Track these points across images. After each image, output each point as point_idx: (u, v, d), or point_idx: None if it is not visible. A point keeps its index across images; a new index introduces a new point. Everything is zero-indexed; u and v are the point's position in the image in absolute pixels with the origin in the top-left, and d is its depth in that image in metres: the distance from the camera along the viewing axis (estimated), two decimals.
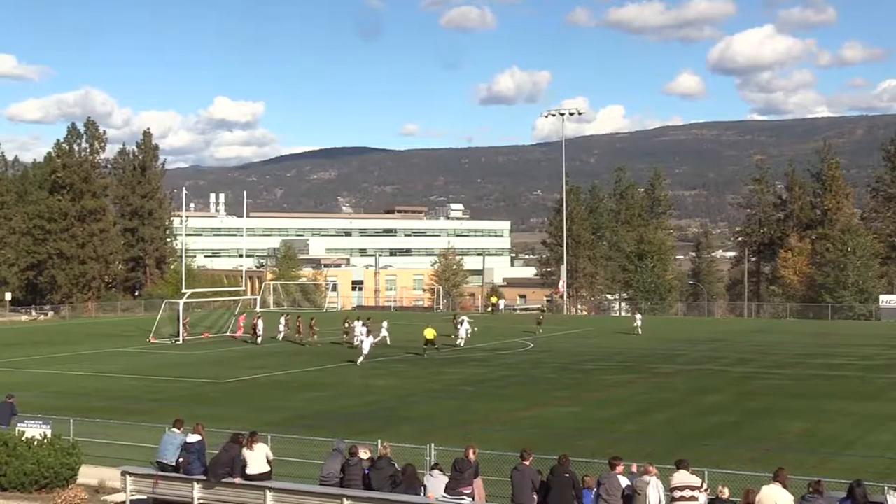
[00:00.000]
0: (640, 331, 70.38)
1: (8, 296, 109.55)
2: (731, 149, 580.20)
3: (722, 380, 45.40)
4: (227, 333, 69.36)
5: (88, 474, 24.09)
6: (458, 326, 63.29)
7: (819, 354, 56.78)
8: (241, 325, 69.88)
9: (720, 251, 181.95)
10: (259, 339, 63.44)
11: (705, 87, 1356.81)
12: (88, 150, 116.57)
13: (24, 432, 24.32)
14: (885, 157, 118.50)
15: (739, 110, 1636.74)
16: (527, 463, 18.68)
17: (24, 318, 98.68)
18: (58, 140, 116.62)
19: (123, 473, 22.10)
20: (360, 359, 51.70)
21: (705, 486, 18.05)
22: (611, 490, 17.89)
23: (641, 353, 57.06)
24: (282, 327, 66.77)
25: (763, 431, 31.61)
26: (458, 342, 61.59)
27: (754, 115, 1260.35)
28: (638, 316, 75.65)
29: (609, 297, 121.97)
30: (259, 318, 65.55)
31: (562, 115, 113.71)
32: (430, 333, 55.89)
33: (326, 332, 67.30)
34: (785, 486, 16.79)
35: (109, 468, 24.25)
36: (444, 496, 18.75)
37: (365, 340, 53.17)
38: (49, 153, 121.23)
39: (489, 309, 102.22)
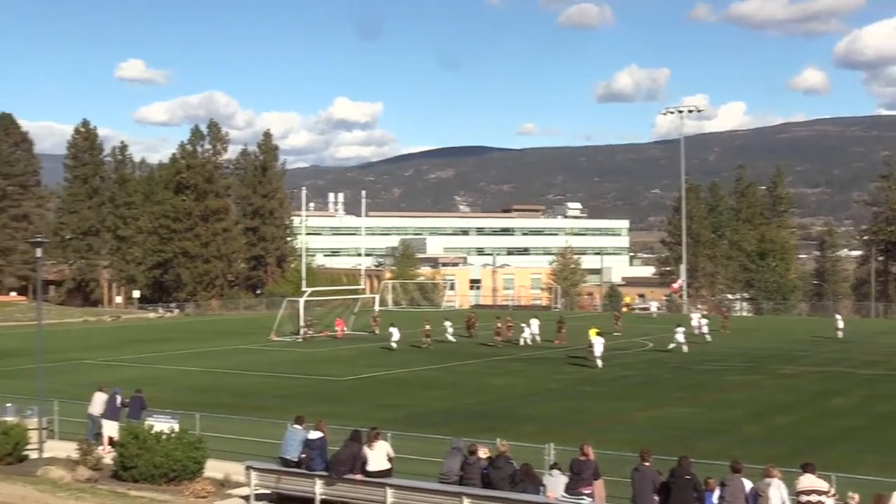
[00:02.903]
0: (840, 333, 65.82)
1: (136, 294, 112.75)
2: (856, 145, 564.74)
3: (848, 382, 44.26)
4: (329, 333, 68.80)
5: (214, 468, 24.61)
6: (697, 324, 64.23)
7: None
8: (341, 326, 69.44)
9: (845, 250, 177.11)
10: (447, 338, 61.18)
11: (830, 82, 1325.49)
12: (211, 152, 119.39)
13: (153, 426, 25.00)
14: None
15: (866, 105, 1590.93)
16: (647, 463, 18.51)
17: (152, 315, 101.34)
18: (182, 142, 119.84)
19: (248, 468, 22.55)
20: (599, 361, 49.30)
21: (833, 490, 17.63)
22: (735, 492, 17.59)
23: (763, 353, 55.96)
24: (450, 328, 63.35)
25: (893, 436, 30.71)
26: (707, 338, 62.15)
27: (881, 111, 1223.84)
28: (838, 317, 70.02)
29: (730, 296, 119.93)
30: (446, 319, 63.92)
31: (681, 112, 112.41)
32: (594, 334, 52.78)
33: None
34: None
35: (234, 462, 24.76)
36: (563, 496, 18.69)
37: (595, 343, 50.15)
38: (174, 154, 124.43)
39: (624, 309, 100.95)
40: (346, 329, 69.66)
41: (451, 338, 62.18)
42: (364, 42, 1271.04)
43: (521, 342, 60.93)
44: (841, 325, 67.00)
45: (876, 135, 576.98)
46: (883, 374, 47.12)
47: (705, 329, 64.37)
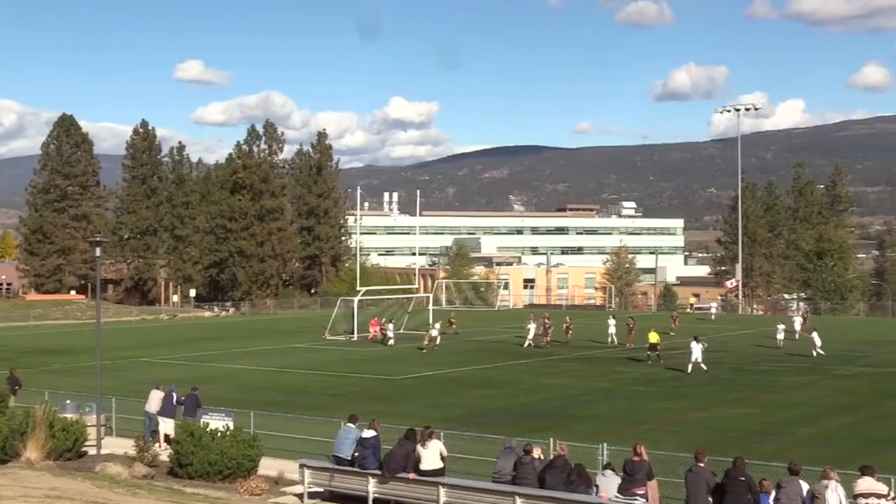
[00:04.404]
0: None
1: (192, 292, 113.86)
2: None
3: None
4: (362, 335, 66.56)
5: (268, 466, 24.76)
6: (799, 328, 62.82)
7: None
8: (375, 328, 66.99)
9: None
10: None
11: (892, 78, 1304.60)
12: (267, 152, 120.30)
13: (208, 424, 25.22)
14: None
15: None
16: (701, 464, 18.36)
17: (208, 314, 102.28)
18: (238, 142, 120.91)
19: (301, 466, 22.68)
20: (702, 366, 47.13)
21: (892, 494, 17.39)
22: (791, 495, 17.40)
23: (820, 354, 55.17)
24: (532, 332, 60.55)
25: None
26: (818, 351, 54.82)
27: None
28: None
29: (786, 296, 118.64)
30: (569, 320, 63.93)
31: (738, 110, 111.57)
32: (654, 337, 51.57)
33: (502, 331, 67.35)
34: None
35: (288, 461, 24.89)
36: (616, 496, 18.60)
37: (693, 349, 47.55)
38: (230, 155, 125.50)
39: (689, 310, 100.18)
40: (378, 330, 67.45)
41: (437, 336, 61.05)
42: (420, 42, 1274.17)
43: (526, 344, 59.43)
44: None
45: None
46: None
47: (797, 334, 63.10)
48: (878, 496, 17.02)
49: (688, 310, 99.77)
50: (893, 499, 17.25)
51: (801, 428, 32.12)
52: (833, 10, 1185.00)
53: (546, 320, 62.11)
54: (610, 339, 61.62)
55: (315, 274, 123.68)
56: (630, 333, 60.96)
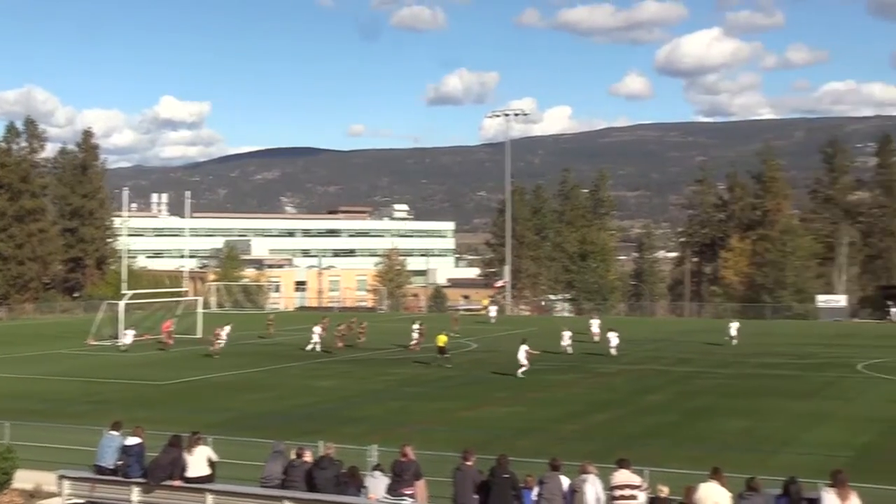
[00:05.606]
0: (734, 341, 62.77)
1: None
2: (674, 150, 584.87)
3: (663, 379, 45.85)
4: (158, 337, 64.81)
5: (24, 479, 23.75)
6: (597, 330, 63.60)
7: (759, 354, 57.46)
8: (168, 330, 64.56)
9: (662, 252, 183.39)
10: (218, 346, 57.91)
11: (652, 88, 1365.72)
12: (28, 150, 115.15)
13: None
14: (823, 159, 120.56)
15: (684, 112, 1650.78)
16: (469, 463, 18.70)
17: None
18: None
19: (60, 477, 21.81)
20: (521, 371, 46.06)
21: (645, 484, 18.19)
22: (553, 490, 17.97)
23: (583, 353, 57.29)
24: (316, 336, 59.39)
25: (703, 430, 31.99)
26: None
27: (699, 117, 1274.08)
28: (734, 325, 65.27)
29: (552, 297, 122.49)
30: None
31: (507, 115, 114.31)
32: (442, 340, 51.41)
33: (283, 333, 66.91)
34: (723, 484, 16.97)
35: (46, 472, 23.88)
36: (385, 497, 18.73)
37: (520, 355, 46.95)
38: None
39: (482, 311, 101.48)
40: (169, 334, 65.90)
41: (123, 342, 61.80)
42: (191, 39, 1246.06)
43: (309, 347, 58.99)
44: (734, 332, 63.68)
45: (692, 140, 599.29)
46: (695, 371, 49.01)
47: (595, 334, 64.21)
48: (633, 487, 17.78)
49: (481, 311, 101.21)
50: (647, 489, 18.06)
51: (564, 425, 33.24)
52: (598, 21, 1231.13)
53: (349, 323, 63.26)
54: (413, 343, 60.37)
55: (79, 277, 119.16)
56: (421, 337, 59.90)
